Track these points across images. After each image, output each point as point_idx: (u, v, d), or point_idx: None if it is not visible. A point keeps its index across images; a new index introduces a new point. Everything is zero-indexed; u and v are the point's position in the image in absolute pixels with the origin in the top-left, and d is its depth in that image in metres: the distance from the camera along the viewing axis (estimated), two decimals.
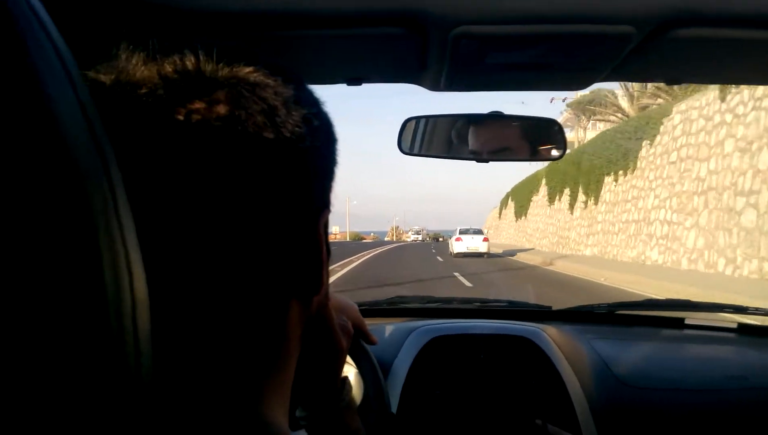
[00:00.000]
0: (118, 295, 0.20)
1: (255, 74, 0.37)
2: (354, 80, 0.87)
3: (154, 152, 0.33)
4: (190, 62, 0.35)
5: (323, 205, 0.41)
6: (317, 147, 0.40)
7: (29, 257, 0.17)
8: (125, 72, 0.34)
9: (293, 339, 0.41)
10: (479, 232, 25.50)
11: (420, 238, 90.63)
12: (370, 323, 1.45)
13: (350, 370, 1.18)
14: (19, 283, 0.17)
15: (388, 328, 1.39)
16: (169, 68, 0.34)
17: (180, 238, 0.34)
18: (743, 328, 1.56)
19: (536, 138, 1.09)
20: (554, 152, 1.07)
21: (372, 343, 0.98)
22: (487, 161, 1.03)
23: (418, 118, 1.08)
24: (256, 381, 0.38)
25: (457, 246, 24.18)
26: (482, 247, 23.82)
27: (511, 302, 1.76)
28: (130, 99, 0.33)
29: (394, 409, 1.16)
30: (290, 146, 0.37)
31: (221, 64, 0.36)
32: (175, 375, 0.35)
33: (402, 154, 1.10)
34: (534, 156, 1.08)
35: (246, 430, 0.36)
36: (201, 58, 0.35)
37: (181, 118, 0.33)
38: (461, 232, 25.13)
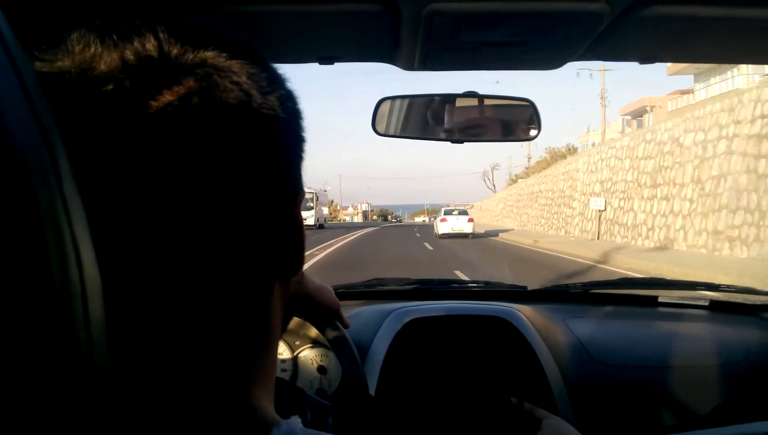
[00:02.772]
0: (65, 278, 0.19)
1: (223, 57, 0.35)
2: (326, 59, 0.85)
3: (129, 146, 0.32)
4: (152, 46, 0.33)
5: (299, 185, 0.41)
6: (291, 129, 0.39)
7: None
8: (86, 62, 0.32)
9: (276, 322, 0.41)
10: (464, 212, 25.48)
11: (312, 220, 40.45)
12: (346, 306, 1.45)
13: (328, 354, 1.18)
14: None
15: (365, 310, 1.39)
16: (131, 56, 0.33)
17: (161, 229, 0.33)
18: (715, 305, 1.58)
19: (512, 118, 1.08)
20: (530, 132, 1.07)
21: (345, 326, 0.99)
22: (462, 142, 1.03)
23: (392, 98, 1.07)
24: (243, 367, 0.38)
25: (442, 227, 24.09)
26: (467, 228, 23.72)
27: (487, 283, 1.77)
28: (96, 94, 0.32)
29: (372, 390, 1.16)
30: (267, 131, 0.36)
31: (186, 47, 0.34)
32: (160, 363, 0.35)
33: (375, 134, 1.08)
34: (509, 136, 1.08)
35: (234, 417, 0.36)
36: (162, 40, 0.34)
37: (153, 111, 0.32)
38: (446, 213, 25.13)
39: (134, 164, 0.32)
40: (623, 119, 43.47)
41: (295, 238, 0.40)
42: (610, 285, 1.79)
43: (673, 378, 1.28)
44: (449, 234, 23.49)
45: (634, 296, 1.68)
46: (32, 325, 0.18)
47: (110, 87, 0.32)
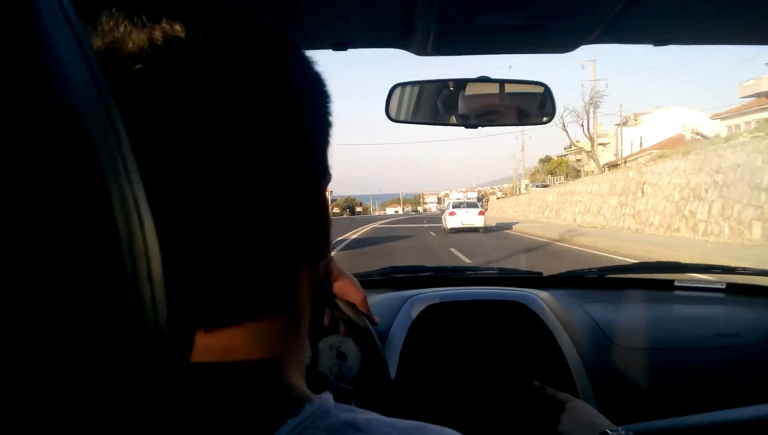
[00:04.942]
0: (130, 241, 0.20)
1: (251, 39, 0.36)
2: (339, 45, 0.86)
3: (155, 124, 0.33)
4: (179, 28, 0.34)
5: (325, 169, 0.41)
6: (317, 111, 0.40)
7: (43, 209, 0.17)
8: (116, 41, 0.33)
9: (305, 304, 0.42)
10: (474, 205, 24.90)
11: None
12: None
13: (347, 341, 1.19)
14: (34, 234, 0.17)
15: (382, 298, 1.39)
16: (158, 36, 0.33)
17: (185, 204, 0.33)
18: (732, 288, 1.58)
19: (525, 102, 1.08)
20: (545, 116, 1.07)
21: (374, 323, 0.99)
22: (475, 127, 1.03)
23: (405, 84, 1.07)
24: (274, 347, 0.38)
25: (451, 221, 23.36)
26: (477, 222, 22.60)
27: (502, 269, 1.77)
28: (125, 73, 0.33)
29: (392, 376, 1.17)
30: (292, 111, 0.36)
31: (214, 30, 0.35)
32: (193, 343, 0.35)
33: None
34: (523, 120, 1.08)
35: (268, 393, 0.36)
36: (190, 22, 0.34)
37: (180, 90, 0.33)
38: (454, 206, 24.53)
39: (158, 142, 0.33)
40: None
41: (320, 220, 0.40)
42: (626, 269, 1.79)
43: (690, 360, 1.28)
44: (459, 228, 22.76)
45: (650, 280, 1.68)
46: (103, 285, 0.19)
47: (138, 66, 0.33)
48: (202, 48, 0.34)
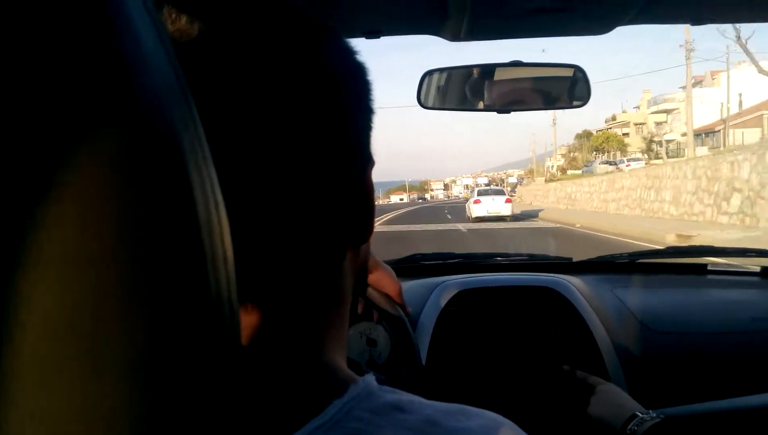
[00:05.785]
0: (209, 223, 0.20)
1: (296, 27, 0.37)
2: (372, 33, 0.85)
3: (205, 113, 0.34)
4: (220, 17, 0.35)
5: (369, 154, 0.42)
6: (360, 97, 0.41)
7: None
8: (182, 29, 0.34)
9: (347, 286, 0.43)
10: (500, 192, 23.99)
11: None
12: None
13: (377, 327, 1.20)
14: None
15: (411, 284, 1.40)
16: (202, 27, 0.34)
17: (242, 193, 0.34)
18: (767, 271, 1.55)
19: (558, 86, 1.07)
20: (579, 100, 1.06)
21: (407, 314, 0.99)
22: (508, 112, 1.02)
23: (437, 71, 1.07)
24: (318, 329, 0.39)
25: (476, 209, 22.09)
26: (504, 210, 21.78)
27: (532, 256, 1.76)
28: (187, 58, 0.33)
29: (423, 362, 1.18)
30: (336, 97, 0.37)
31: (259, 19, 0.36)
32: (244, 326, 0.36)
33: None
34: (558, 104, 1.07)
35: (314, 375, 0.37)
36: (235, 12, 0.35)
37: (225, 78, 0.34)
38: (480, 194, 23.63)
39: (210, 130, 0.34)
40: None
41: (364, 203, 0.41)
42: (658, 254, 1.76)
43: (724, 344, 1.26)
44: (484, 217, 21.85)
45: (682, 265, 1.66)
46: (186, 266, 0.19)
47: (198, 51, 0.34)
48: (245, 37, 0.35)
